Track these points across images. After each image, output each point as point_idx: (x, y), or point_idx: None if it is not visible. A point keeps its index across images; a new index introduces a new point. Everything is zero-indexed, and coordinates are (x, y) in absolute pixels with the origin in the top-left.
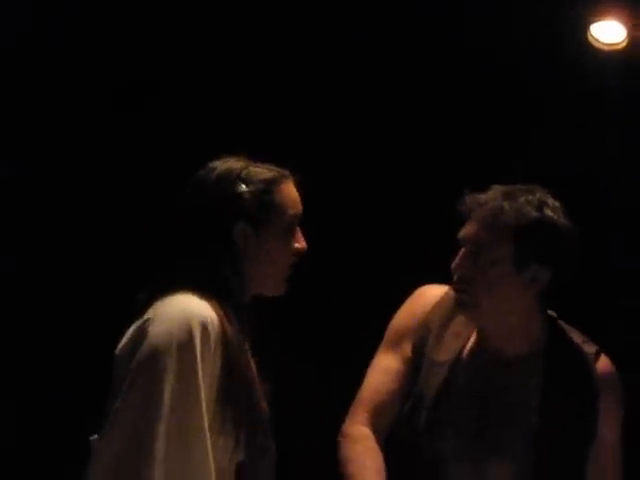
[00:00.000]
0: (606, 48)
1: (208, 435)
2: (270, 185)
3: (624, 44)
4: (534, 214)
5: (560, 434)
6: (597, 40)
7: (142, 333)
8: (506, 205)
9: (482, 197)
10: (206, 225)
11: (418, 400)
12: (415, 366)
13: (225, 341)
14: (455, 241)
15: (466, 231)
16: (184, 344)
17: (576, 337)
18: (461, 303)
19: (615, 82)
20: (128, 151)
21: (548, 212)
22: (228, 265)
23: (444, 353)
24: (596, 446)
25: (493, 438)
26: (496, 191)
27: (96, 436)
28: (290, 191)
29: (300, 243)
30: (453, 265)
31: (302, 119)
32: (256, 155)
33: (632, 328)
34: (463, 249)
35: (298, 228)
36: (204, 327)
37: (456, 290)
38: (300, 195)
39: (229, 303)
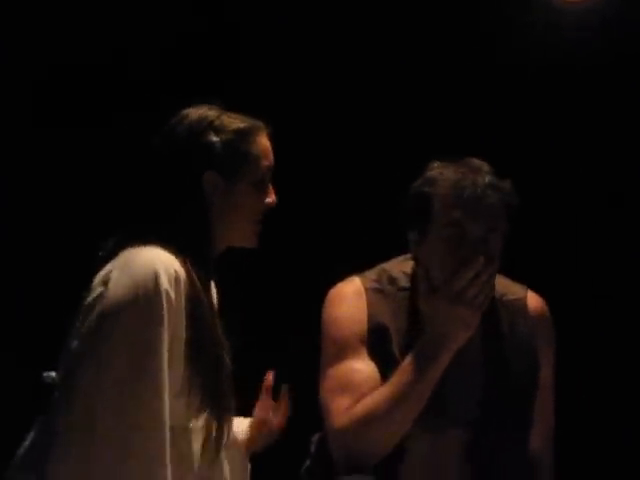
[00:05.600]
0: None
1: (166, 392)
2: (243, 135)
3: None
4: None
5: (507, 388)
6: None
7: (105, 283)
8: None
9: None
10: (175, 173)
11: None
12: (380, 366)
13: (191, 295)
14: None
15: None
16: (150, 293)
17: (502, 283)
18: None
19: (573, 35)
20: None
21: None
22: (195, 216)
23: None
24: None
25: (450, 409)
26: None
27: (52, 373)
28: (263, 143)
29: (271, 197)
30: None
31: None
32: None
33: None
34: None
35: (270, 182)
36: (170, 277)
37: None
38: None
39: (195, 257)
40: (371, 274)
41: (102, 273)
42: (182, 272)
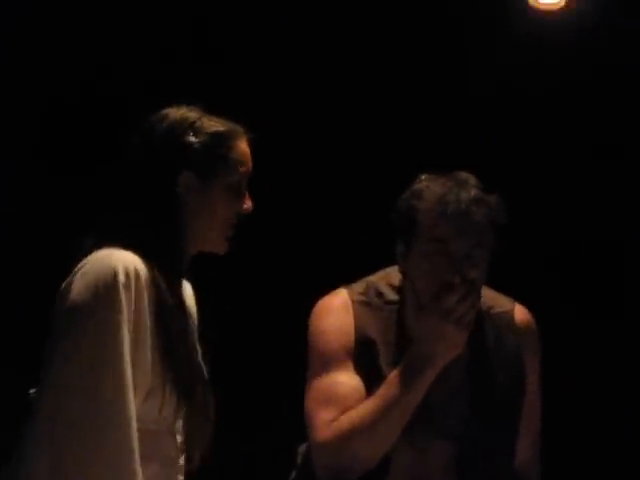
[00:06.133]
0: (543, 7)
1: (128, 380)
2: (222, 139)
3: (562, 4)
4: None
5: (493, 404)
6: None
7: (68, 285)
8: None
9: (470, 215)
10: (150, 172)
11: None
12: (366, 379)
13: (155, 296)
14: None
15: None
16: (108, 286)
17: (489, 295)
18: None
19: (552, 41)
20: None
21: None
22: (167, 214)
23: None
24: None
25: (436, 421)
26: (466, 202)
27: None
28: (242, 148)
29: (247, 204)
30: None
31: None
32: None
33: None
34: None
35: (246, 188)
36: (129, 272)
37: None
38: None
39: (163, 256)
40: (358, 287)
41: (68, 279)
42: (144, 269)
